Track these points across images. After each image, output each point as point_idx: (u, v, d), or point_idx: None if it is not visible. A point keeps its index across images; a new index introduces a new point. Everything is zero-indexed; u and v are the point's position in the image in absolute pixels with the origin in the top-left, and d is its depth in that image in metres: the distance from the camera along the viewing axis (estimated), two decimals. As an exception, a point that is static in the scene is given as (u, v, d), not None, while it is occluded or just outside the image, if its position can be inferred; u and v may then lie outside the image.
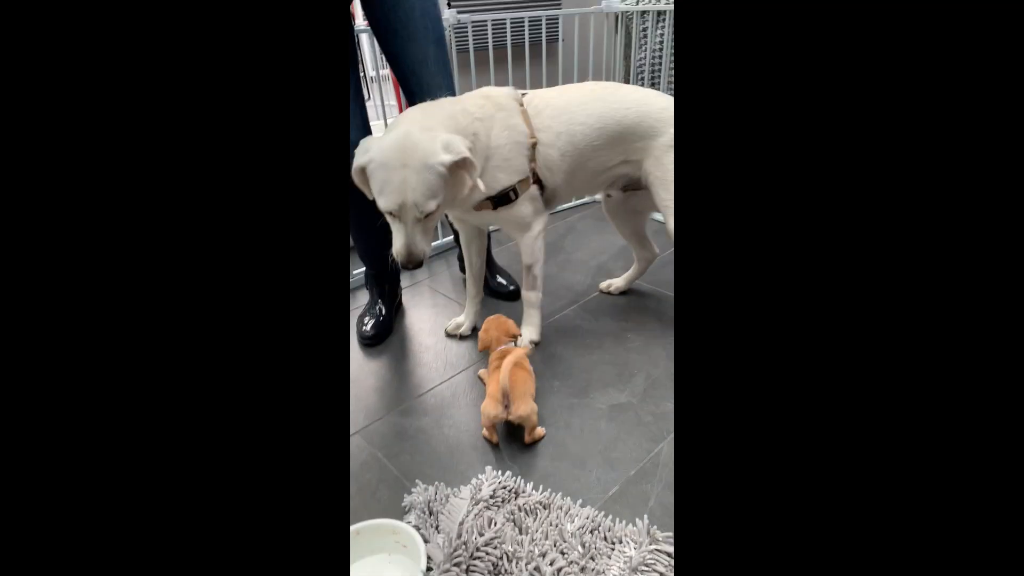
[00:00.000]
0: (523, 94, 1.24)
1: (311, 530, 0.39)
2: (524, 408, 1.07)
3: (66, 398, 0.35)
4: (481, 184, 1.10)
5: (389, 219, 1.09)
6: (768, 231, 0.37)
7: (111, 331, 0.36)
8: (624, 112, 1.25)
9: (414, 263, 1.09)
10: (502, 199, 1.21)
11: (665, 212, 1.30)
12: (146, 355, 0.36)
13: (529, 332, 1.40)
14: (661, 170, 1.26)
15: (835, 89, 0.36)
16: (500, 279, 1.71)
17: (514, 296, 1.66)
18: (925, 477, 0.34)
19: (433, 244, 1.88)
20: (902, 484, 0.35)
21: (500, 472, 1.03)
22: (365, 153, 1.06)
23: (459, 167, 1.06)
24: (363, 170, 1.07)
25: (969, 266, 0.34)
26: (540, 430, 1.12)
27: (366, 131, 1.35)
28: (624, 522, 0.93)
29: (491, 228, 1.51)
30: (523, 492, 0.99)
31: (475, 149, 1.12)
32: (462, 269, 1.78)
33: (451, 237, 1.82)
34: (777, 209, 0.37)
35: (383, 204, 1.06)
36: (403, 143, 1.03)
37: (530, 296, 1.39)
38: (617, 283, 1.65)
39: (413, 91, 1.32)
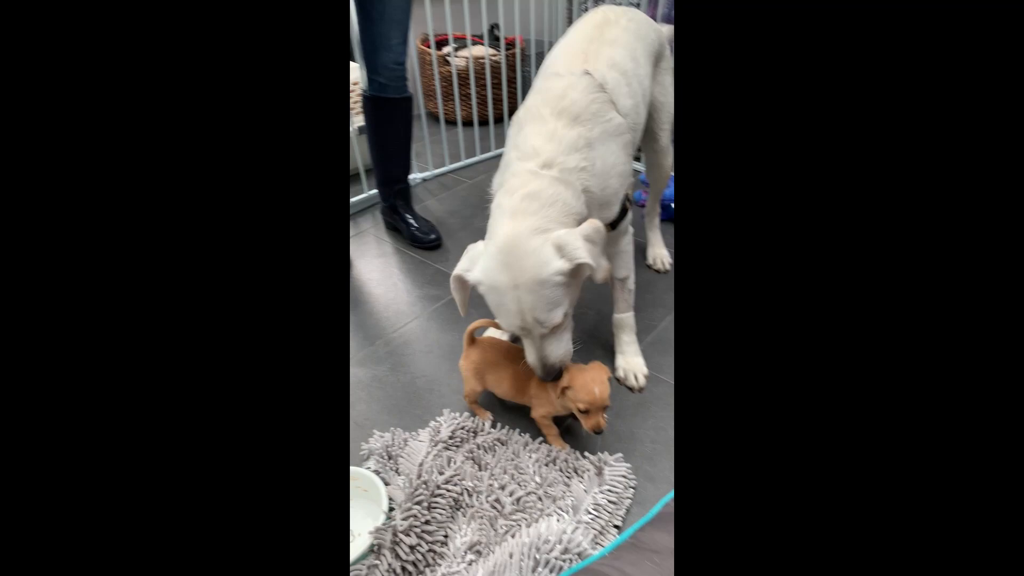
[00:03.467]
0: (589, 72, 0.93)
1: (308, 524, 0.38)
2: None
3: (50, 403, 0.34)
4: (603, 266, 0.89)
5: (519, 332, 0.91)
6: (769, 222, 0.36)
7: (101, 333, 0.35)
8: (651, 40, 1.13)
9: (553, 375, 0.92)
10: (622, 214, 1.01)
11: (660, 133, 1.26)
12: (139, 342, 0.35)
13: (633, 363, 1.14)
14: (662, 91, 1.21)
15: (836, 80, 0.35)
16: (417, 223, 1.64)
17: (435, 246, 1.62)
18: (926, 479, 0.34)
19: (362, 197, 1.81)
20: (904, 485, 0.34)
21: (459, 413, 1.04)
22: (468, 271, 0.88)
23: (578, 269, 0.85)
24: (461, 281, 0.91)
25: (969, 267, 0.33)
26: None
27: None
28: (577, 453, 0.97)
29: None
30: (482, 431, 1.01)
31: (591, 202, 0.91)
32: (387, 225, 1.73)
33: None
34: (777, 204, 0.36)
35: (504, 326, 0.90)
36: (508, 260, 0.83)
37: (628, 318, 1.15)
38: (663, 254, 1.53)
39: (368, 9, 1.31)
